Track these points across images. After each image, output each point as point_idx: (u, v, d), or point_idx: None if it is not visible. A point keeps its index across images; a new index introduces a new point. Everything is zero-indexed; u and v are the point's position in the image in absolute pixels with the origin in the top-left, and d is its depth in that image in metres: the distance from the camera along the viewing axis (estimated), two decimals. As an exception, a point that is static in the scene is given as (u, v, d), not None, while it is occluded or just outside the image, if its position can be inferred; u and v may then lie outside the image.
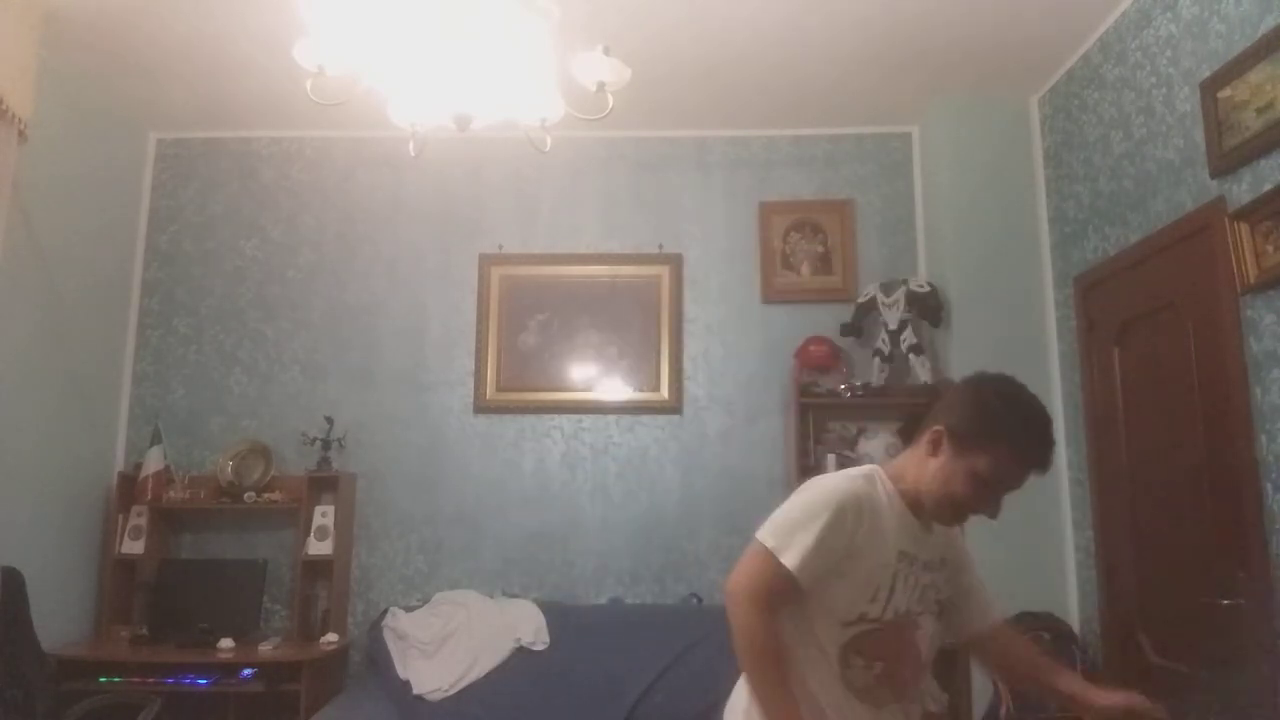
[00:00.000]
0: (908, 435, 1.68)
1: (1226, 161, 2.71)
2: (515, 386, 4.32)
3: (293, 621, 4.01)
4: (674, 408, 4.27)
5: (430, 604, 3.96)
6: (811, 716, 1.50)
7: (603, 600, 4.12)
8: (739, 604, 1.48)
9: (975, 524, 4.08)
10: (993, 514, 1.55)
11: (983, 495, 1.52)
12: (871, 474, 1.60)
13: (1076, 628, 3.60)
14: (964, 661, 3.69)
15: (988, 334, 3.91)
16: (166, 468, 4.09)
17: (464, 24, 2.28)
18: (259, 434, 4.25)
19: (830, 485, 1.56)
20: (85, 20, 3.48)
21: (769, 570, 1.48)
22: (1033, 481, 3.90)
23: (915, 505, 1.59)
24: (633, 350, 4.33)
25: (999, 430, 1.51)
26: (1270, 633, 2.51)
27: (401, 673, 3.64)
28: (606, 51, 2.45)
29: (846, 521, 1.49)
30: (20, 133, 3.28)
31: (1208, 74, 2.81)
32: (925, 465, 1.56)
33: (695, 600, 4.04)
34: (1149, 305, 3.18)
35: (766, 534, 1.51)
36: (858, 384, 4.02)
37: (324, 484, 4.11)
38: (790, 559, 1.47)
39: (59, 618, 3.70)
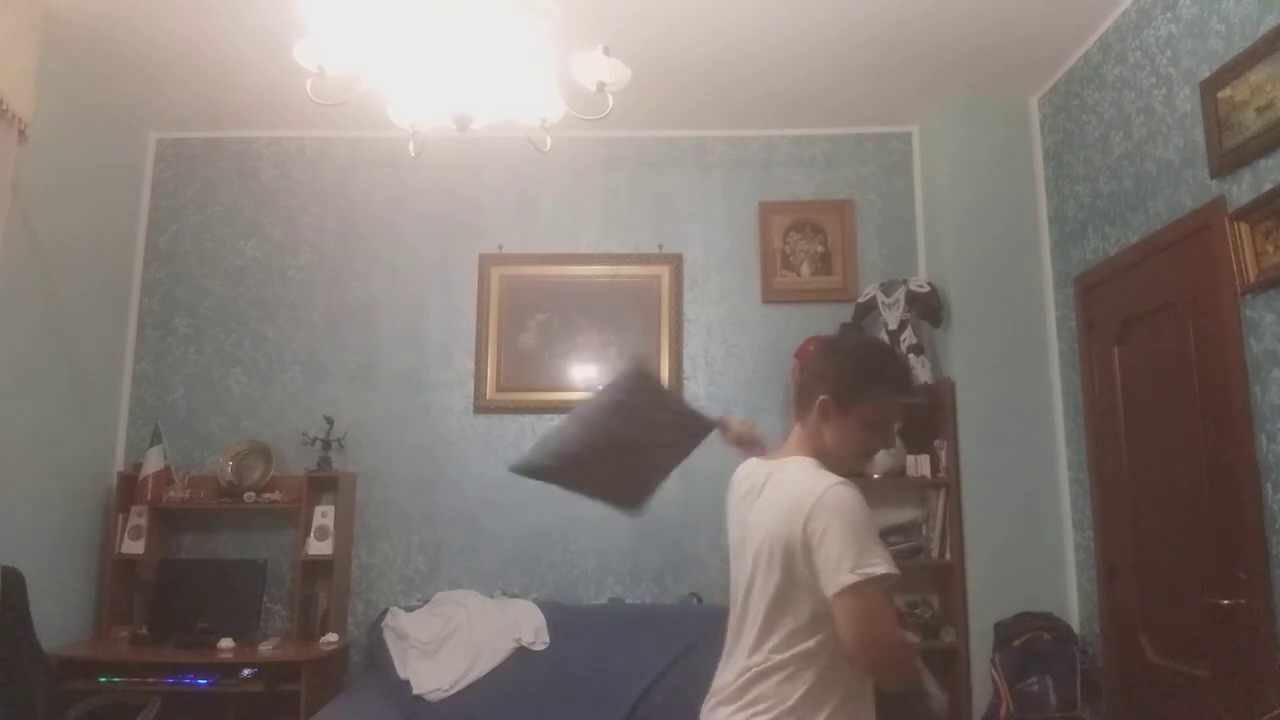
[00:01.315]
0: (800, 416, 1.78)
1: (1226, 161, 2.71)
2: (515, 386, 4.32)
3: (293, 621, 4.01)
4: (674, 408, 4.27)
5: (430, 604, 3.96)
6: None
7: (603, 600, 4.12)
8: (890, 653, 1.51)
9: (976, 525, 4.04)
10: (890, 445, 1.76)
11: (877, 436, 1.74)
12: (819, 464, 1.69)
13: (1076, 628, 3.60)
14: (964, 661, 3.69)
15: (988, 334, 3.91)
16: (166, 468, 4.08)
17: (464, 24, 2.28)
18: (259, 434, 4.25)
19: (853, 493, 1.56)
20: (85, 20, 3.48)
21: (886, 594, 1.51)
22: (1033, 481, 3.89)
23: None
24: (633, 350, 4.32)
25: (872, 379, 1.70)
26: (1270, 633, 2.51)
27: (401, 673, 3.64)
28: (606, 52, 2.45)
29: None
30: (20, 133, 3.28)
31: (1208, 74, 2.80)
32: (821, 434, 1.70)
33: (695, 600, 4.04)
34: (1149, 305, 3.18)
35: (858, 568, 1.46)
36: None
37: (324, 484, 4.11)
38: (887, 565, 1.49)
39: (59, 618, 3.70)
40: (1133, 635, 3.25)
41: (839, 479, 1.57)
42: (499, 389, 4.31)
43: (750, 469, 1.80)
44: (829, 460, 1.68)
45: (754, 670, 1.59)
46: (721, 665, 1.71)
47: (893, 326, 4.01)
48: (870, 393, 1.68)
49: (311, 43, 2.31)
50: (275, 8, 3.25)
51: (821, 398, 1.69)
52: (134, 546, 3.99)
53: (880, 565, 1.47)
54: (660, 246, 4.42)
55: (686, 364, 4.32)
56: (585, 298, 4.37)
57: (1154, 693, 3.12)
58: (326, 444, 4.13)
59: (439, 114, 2.42)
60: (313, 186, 4.52)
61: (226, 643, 3.74)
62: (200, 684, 3.55)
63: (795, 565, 1.54)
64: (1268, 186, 2.52)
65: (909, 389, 1.80)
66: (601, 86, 2.46)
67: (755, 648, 1.60)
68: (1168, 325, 3.07)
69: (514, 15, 2.35)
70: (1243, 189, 2.65)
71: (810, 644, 1.55)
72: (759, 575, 1.62)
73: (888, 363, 1.77)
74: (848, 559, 1.47)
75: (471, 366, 4.33)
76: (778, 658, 1.56)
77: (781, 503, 1.60)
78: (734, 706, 1.60)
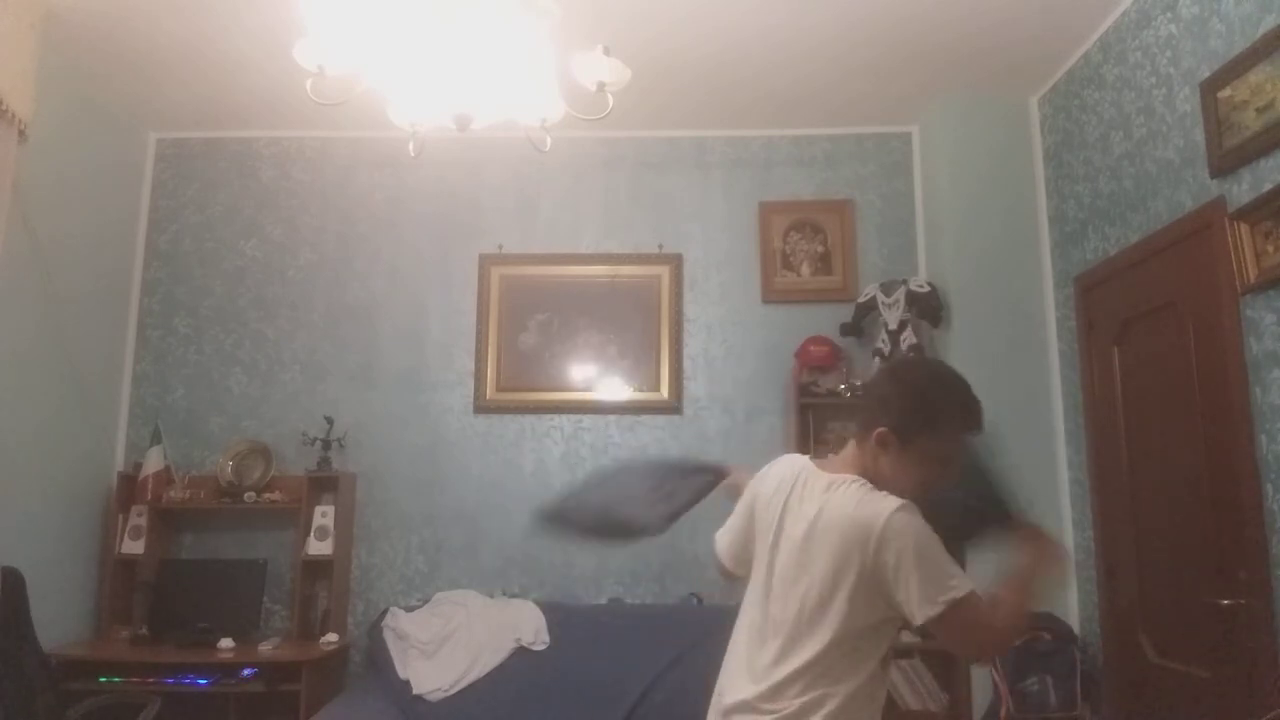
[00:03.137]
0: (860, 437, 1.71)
1: (1226, 161, 2.71)
2: (515, 386, 4.32)
3: (293, 621, 4.01)
4: (674, 408, 4.27)
5: (430, 604, 3.97)
6: None
7: (603, 600, 4.12)
8: (999, 640, 1.71)
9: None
10: (955, 482, 1.66)
11: (940, 472, 1.64)
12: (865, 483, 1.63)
13: (1076, 628, 3.60)
14: (964, 662, 3.69)
15: (988, 334, 3.91)
16: (166, 468, 4.09)
17: (464, 24, 2.28)
18: (259, 434, 4.25)
19: (916, 518, 1.55)
20: (85, 20, 3.48)
21: (979, 605, 1.54)
22: (1033, 481, 3.90)
23: None
24: (633, 350, 4.33)
25: (936, 414, 1.62)
26: (1270, 633, 2.51)
27: (401, 673, 3.64)
28: (606, 52, 2.45)
29: None
30: (20, 133, 3.28)
31: (1208, 74, 2.80)
32: (879, 464, 1.63)
33: (695, 600, 4.04)
34: (1149, 305, 3.18)
35: (940, 597, 1.49)
36: (858, 384, 4.02)
37: (324, 484, 4.11)
38: (965, 583, 1.52)
39: (59, 618, 3.70)
40: (1133, 635, 3.25)
41: (900, 502, 1.54)
42: (499, 389, 4.31)
43: (795, 467, 1.74)
44: (883, 487, 1.63)
45: (777, 681, 1.57)
46: (735, 669, 1.67)
47: (893, 326, 4.01)
48: (935, 427, 1.61)
49: (311, 43, 2.31)
50: (275, 8, 3.25)
51: (880, 429, 1.62)
52: (134, 546, 3.99)
53: (959, 587, 1.49)
54: (660, 246, 4.42)
55: (686, 364, 4.32)
56: (585, 298, 4.37)
57: (1154, 693, 3.12)
58: (326, 444, 4.13)
59: (439, 114, 2.42)
60: (313, 186, 4.52)
61: (226, 643, 3.74)
62: (200, 684, 3.55)
63: (859, 589, 1.52)
64: (1268, 186, 2.52)
65: (978, 424, 1.65)
66: (601, 86, 2.46)
67: (781, 659, 1.58)
68: (1168, 325, 3.07)
69: (514, 15, 2.35)
70: (1243, 189, 2.65)
71: (838, 661, 1.55)
72: (797, 588, 1.59)
73: (955, 396, 1.65)
74: (929, 589, 1.48)
75: (471, 366, 4.34)
76: (805, 672, 1.55)
77: (843, 525, 1.56)
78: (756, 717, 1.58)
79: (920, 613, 1.48)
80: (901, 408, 1.63)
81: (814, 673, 1.55)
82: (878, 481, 1.62)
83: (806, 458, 1.79)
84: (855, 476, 1.62)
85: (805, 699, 1.53)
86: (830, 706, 1.53)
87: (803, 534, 1.61)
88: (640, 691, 3.51)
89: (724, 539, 1.88)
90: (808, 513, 1.62)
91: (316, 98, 2.39)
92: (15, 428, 3.57)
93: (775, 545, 1.67)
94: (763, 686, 1.58)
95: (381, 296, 4.42)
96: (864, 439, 1.66)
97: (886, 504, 1.53)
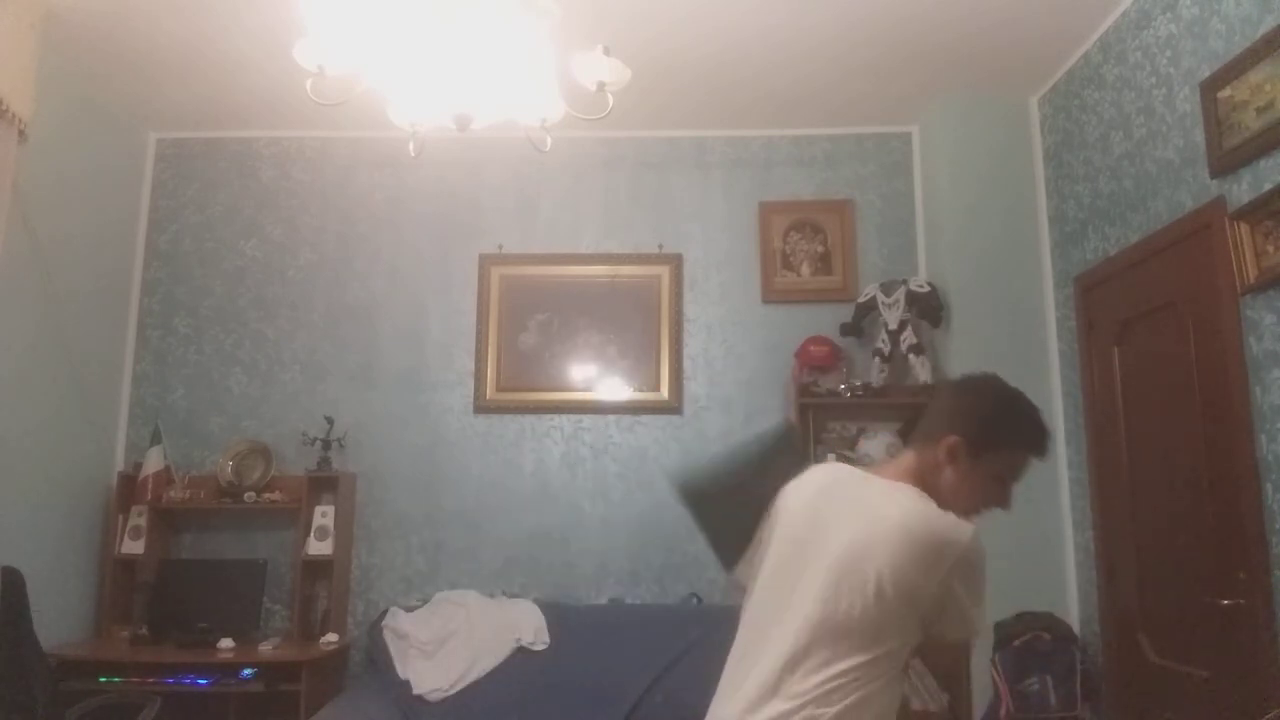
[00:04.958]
0: (906, 436, 1.70)
1: (1226, 161, 2.71)
2: (515, 386, 4.32)
3: (293, 621, 4.01)
4: (674, 408, 4.27)
5: (430, 604, 3.97)
6: None
7: (603, 600, 4.12)
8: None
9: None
10: (1008, 506, 1.62)
11: (1004, 492, 1.62)
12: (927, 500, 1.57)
13: (1076, 628, 3.60)
14: (964, 661, 3.69)
15: (988, 334, 3.91)
16: (166, 468, 4.09)
17: (464, 24, 2.28)
18: (259, 434, 4.25)
19: (977, 546, 1.52)
20: (85, 20, 3.48)
21: None
22: (1033, 481, 3.93)
23: None
24: (633, 350, 4.33)
25: (1013, 432, 1.60)
26: (1270, 633, 2.51)
27: (401, 673, 3.64)
28: (606, 51, 2.45)
29: None
30: (20, 133, 3.28)
31: (1208, 74, 2.81)
32: (940, 474, 1.59)
33: (695, 600, 4.04)
34: (1149, 305, 3.18)
35: (979, 627, 1.55)
36: (858, 384, 4.02)
37: (324, 484, 4.11)
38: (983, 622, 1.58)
39: (59, 618, 3.70)
40: (1133, 635, 3.25)
41: (972, 526, 1.51)
42: (499, 389, 4.31)
43: (835, 472, 1.70)
44: (940, 500, 1.56)
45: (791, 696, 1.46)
46: (740, 672, 1.57)
47: (893, 326, 4.01)
48: (1008, 446, 1.59)
49: (311, 43, 2.31)
50: (275, 8, 3.25)
51: (952, 439, 1.56)
52: (134, 546, 3.99)
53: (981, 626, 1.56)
54: (660, 246, 4.42)
55: (686, 364, 4.32)
56: (585, 298, 4.37)
57: (1154, 693, 3.12)
58: (326, 444, 4.13)
59: (439, 114, 2.42)
60: (313, 186, 4.53)
61: (226, 643, 3.74)
62: (200, 684, 3.55)
63: (903, 604, 1.44)
64: (1268, 186, 2.52)
65: (1045, 450, 1.61)
66: (601, 86, 2.46)
67: (792, 665, 1.48)
68: (1168, 325, 3.07)
69: (514, 15, 2.35)
70: (1243, 189, 2.65)
71: (860, 673, 1.46)
72: (827, 591, 1.48)
73: (1032, 418, 1.61)
74: (974, 617, 1.52)
75: (471, 366, 4.34)
76: (819, 679, 1.45)
77: (910, 538, 1.47)
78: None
79: (965, 630, 1.53)
80: (984, 419, 1.59)
81: (842, 681, 1.45)
82: (934, 494, 1.56)
83: (846, 465, 1.73)
84: (913, 487, 1.55)
85: (837, 708, 1.43)
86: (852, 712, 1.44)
87: (851, 540, 1.50)
88: (640, 691, 3.51)
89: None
90: (859, 517, 1.54)
91: (316, 98, 2.39)
92: (15, 428, 3.57)
93: (805, 553, 1.56)
94: (791, 702, 1.46)
95: (381, 296, 4.42)
96: (926, 448, 1.60)
97: (965, 527, 1.49)
